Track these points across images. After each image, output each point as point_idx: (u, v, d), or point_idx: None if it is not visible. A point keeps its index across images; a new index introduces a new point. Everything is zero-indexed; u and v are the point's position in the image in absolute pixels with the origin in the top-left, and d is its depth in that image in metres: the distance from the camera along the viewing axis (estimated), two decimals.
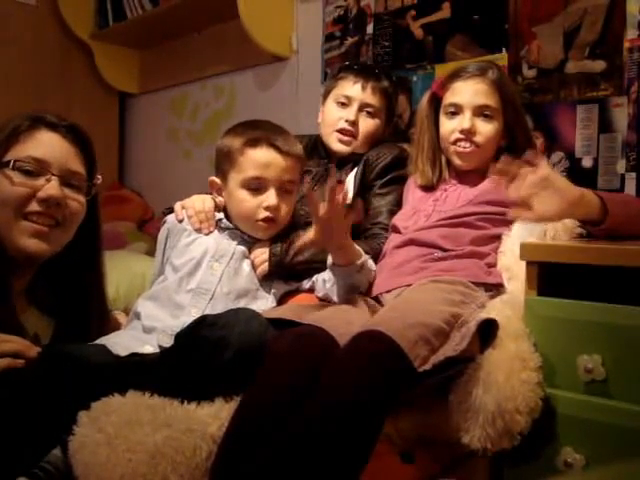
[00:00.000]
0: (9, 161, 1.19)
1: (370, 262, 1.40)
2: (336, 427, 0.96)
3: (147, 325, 1.33)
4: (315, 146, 1.76)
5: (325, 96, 1.77)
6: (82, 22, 3.03)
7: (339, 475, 0.95)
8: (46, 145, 1.22)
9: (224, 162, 1.45)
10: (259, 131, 1.43)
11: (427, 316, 1.12)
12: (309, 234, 1.29)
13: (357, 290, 1.38)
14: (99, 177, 1.31)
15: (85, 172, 1.28)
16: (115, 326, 1.41)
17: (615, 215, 1.14)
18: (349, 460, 0.96)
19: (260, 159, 1.40)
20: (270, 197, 1.40)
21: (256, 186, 1.41)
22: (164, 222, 1.54)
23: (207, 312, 1.32)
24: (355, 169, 1.66)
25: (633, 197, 1.53)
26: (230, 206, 1.47)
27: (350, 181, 1.65)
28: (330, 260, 1.37)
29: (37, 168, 1.20)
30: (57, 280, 1.29)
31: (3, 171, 1.19)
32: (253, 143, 1.41)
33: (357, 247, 1.36)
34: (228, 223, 1.47)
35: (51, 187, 1.19)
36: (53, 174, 1.21)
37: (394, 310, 1.21)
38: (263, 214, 1.40)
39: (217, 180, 1.48)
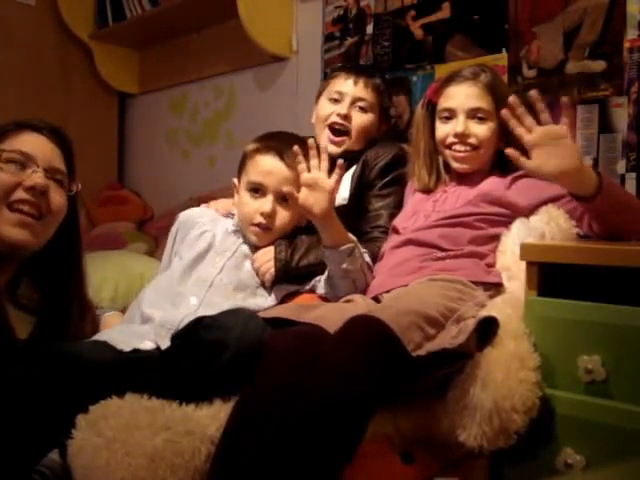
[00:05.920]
0: None
1: (362, 250, 1.42)
2: (323, 410, 0.96)
3: (146, 313, 1.34)
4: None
5: (318, 96, 1.77)
6: (82, 22, 3.03)
7: (326, 460, 0.95)
8: (32, 143, 1.28)
9: (240, 165, 1.52)
10: (274, 141, 1.47)
11: (421, 305, 1.12)
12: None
13: (351, 277, 1.38)
14: (79, 184, 1.35)
15: (66, 172, 1.32)
16: (95, 327, 1.41)
17: (608, 197, 1.16)
18: (337, 443, 0.96)
19: (263, 165, 1.44)
20: (266, 204, 1.42)
21: (256, 191, 1.45)
22: (176, 218, 1.57)
23: (205, 300, 1.35)
24: (352, 168, 1.65)
25: (632, 195, 1.52)
26: (236, 207, 1.51)
27: (347, 180, 1.63)
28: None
29: (24, 161, 1.25)
30: (39, 279, 1.32)
31: None
32: (262, 150, 1.46)
33: (348, 234, 1.39)
34: (236, 223, 1.51)
35: (37, 177, 1.24)
36: (39, 166, 1.25)
37: (389, 302, 1.22)
38: (258, 219, 1.44)
39: (235, 181, 1.53)
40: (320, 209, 1.33)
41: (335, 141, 1.68)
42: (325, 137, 1.69)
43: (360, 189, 1.62)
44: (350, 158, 1.65)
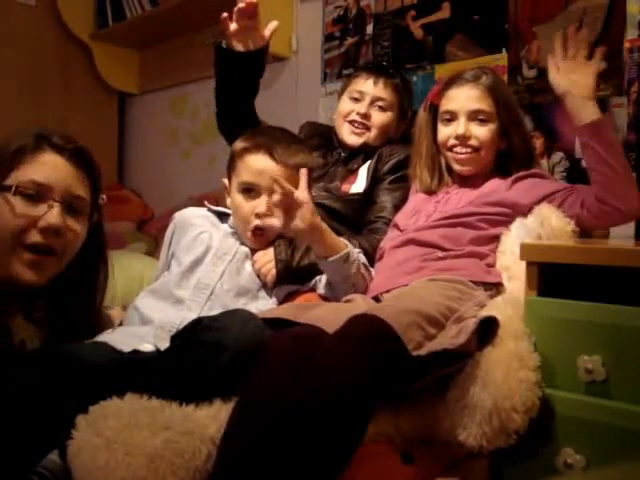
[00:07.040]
0: (11, 186, 1.17)
1: (358, 254, 1.40)
2: (323, 409, 0.95)
3: (146, 314, 1.33)
4: (329, 137, 1.82)
5: (340, 94, 1.84)
6: (81, 22, 3.03)
7: (326, 459, 0.95)
8: (49, 169, 1.20)
9: (230, 164, 1.49)
10: (263, 137, 1.44)
11: (422, 305, 1.12)
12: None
13: (350, 282, 1.38)
14: (104, 197, 1.30)
15: (89, 197, 1.26)
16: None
17: (608, 127, 1.33)
18: (337, 442, 0.96)
19: (254, 165, 1.42)
20: (261, 204, 1.40)
21: (249, 192, 1.42)
22: (172, 219, 1.56)
23: (206, 307, 1.34)
24: (369, 161, 1.70)
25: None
26: (232, 210, 1.49)
27: (363, 173, 1.70)
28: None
29: (39, 193, 1.18)
30: (52, 299, 1.27)
31: (4, 195, 1.17)
32: (251, 149, 1.43)
33: (339, 239, 1.36)
34: (233, 224, 1.49)
35: (51, 215, 1.17)
36: (55, 200, 1.18)
37: (389, 302, 1.23)
38: (254, 222, 1.41)
39: (226, 182, 1.51)
40: (306, 225, 1.29)
41: (356, 132, 1.74)
42: (346, 130, 1.75)
43: (373, 182, 1.68)
44: (367, 152, 1.73)
